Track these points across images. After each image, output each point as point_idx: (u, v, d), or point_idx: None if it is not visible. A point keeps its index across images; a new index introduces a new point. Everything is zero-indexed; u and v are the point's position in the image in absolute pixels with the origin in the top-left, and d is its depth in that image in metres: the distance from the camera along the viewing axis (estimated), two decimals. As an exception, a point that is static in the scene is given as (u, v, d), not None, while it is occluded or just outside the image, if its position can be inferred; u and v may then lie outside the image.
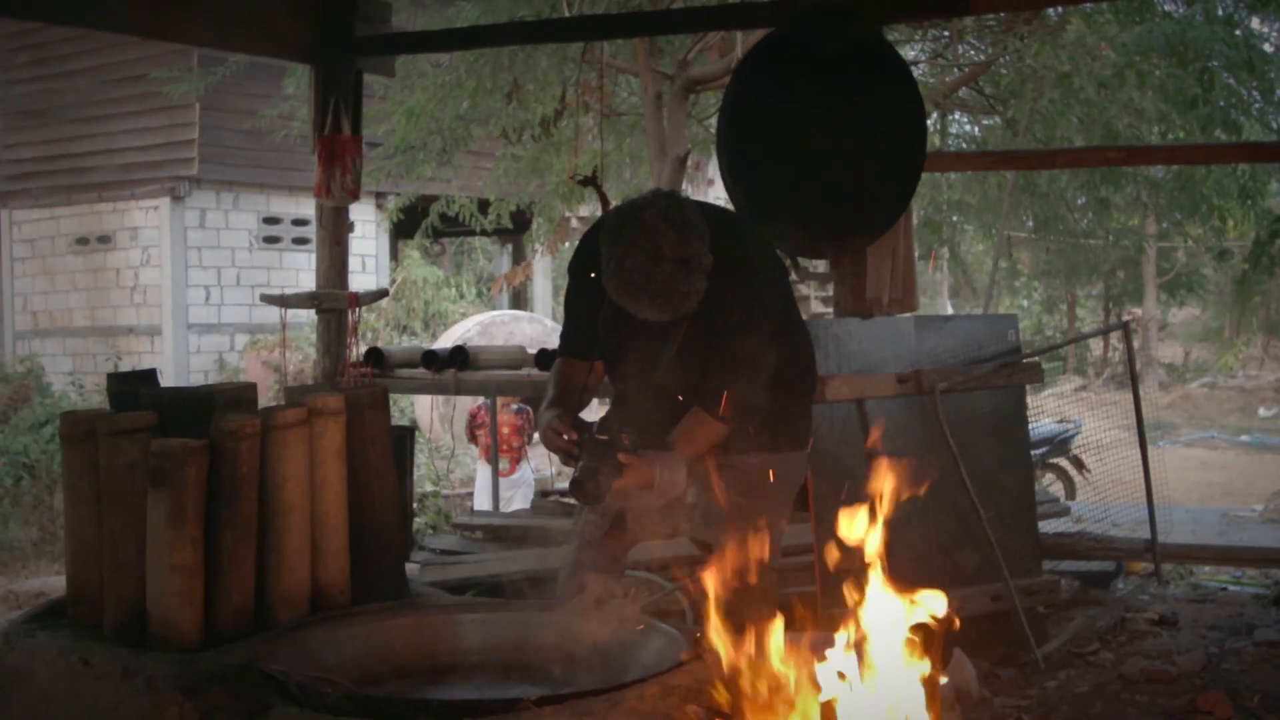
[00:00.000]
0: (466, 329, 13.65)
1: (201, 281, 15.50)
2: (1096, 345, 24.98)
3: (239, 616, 3.08)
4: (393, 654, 3.11)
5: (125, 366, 14.80)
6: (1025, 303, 28.62)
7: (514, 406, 9.36)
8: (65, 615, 3.25)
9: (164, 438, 3.03)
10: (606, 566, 3.61)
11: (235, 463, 3.04)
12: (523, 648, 3.18)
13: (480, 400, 9.29)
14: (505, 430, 9.36)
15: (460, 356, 5.95)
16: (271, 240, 15.96)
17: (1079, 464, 9.89)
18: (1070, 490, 10.37)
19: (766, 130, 4.93)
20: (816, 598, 4.79)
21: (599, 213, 6.07)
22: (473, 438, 9.85)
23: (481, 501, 9.33)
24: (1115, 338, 25.27)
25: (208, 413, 3.12)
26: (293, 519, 3.16)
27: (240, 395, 3.31)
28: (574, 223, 13.17)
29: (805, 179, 4.85)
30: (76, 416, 3.21)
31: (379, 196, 15.52)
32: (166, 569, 2.96)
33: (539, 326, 13.99)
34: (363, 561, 3.38)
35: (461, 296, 17.94)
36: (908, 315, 5.34)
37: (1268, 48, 9.51)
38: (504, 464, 9.41)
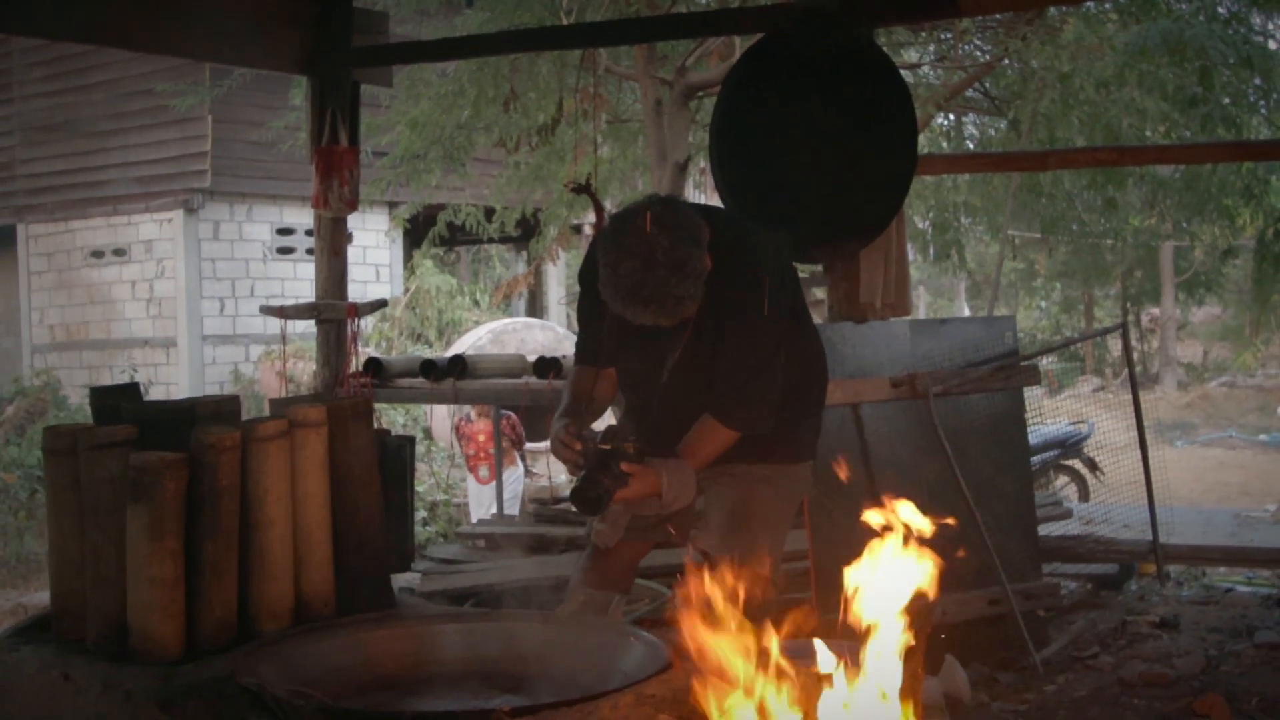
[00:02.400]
0: (479, 337, 13.67)
1: (216, 293, 15.57)
2: (1115, 346, 24.85)
3: (221, 629, 3.08)
4: (375, 665, 3.10)
5: (141, 379, 14.88)
6: (1043, 304, 28.53)
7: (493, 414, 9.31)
8: (50, 629, 3.26)
9: (144, 451, 3.04)
10: (617, 575, 3.60)
11: (215, 475, 3.04)
12: (506, 658, 3.16)
13: (465, 410, 9.29)
14: (481, 438, 9.32)
15: (458, 365, 5.95)
16: (285, 251, 16.02)
17: (1092, 465, 9.84)
18: (1084, 492, 10.31)
19: (758, 135, 4.93)
20: (811, 604, 4.78)
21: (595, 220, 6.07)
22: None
23: (476, 512, 9.32)
24: (1132, 337, 25.21)
25: (189, 426, 3.12)
26: (274, 531, 3.16)
27: (221, 408, 3.31)
28: (586, 229, 13.18)
29: (797, 184, 4.84)
30: (58, 430, 3.22)
31: (392, 206, 15.58)
32: (146, 582, 2.97)
33: (551, 334, 14.00)
34: (347, 573, 3.37)
35: (476, 304, 17.97)
36: (902, 319, 5.33)
37: (1273, 45, 9.46)
38: (484, 472, 9.36)
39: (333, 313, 6.00)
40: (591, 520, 3.54)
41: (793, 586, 4.86)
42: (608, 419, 5.16)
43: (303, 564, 3.25)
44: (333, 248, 6.06)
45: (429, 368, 6.00)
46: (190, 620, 3.03)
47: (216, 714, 2.74)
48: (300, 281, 15.78)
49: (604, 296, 3.12)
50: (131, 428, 3.14)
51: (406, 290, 16.81)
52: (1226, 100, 8.40)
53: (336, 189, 5.91)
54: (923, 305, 29.90)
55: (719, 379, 3.25)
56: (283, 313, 6.14)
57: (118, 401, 3.37)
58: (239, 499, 3.10)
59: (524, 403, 5.82)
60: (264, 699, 2.66)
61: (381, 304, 6.48)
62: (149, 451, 3.02)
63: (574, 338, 12.16)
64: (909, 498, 5.03)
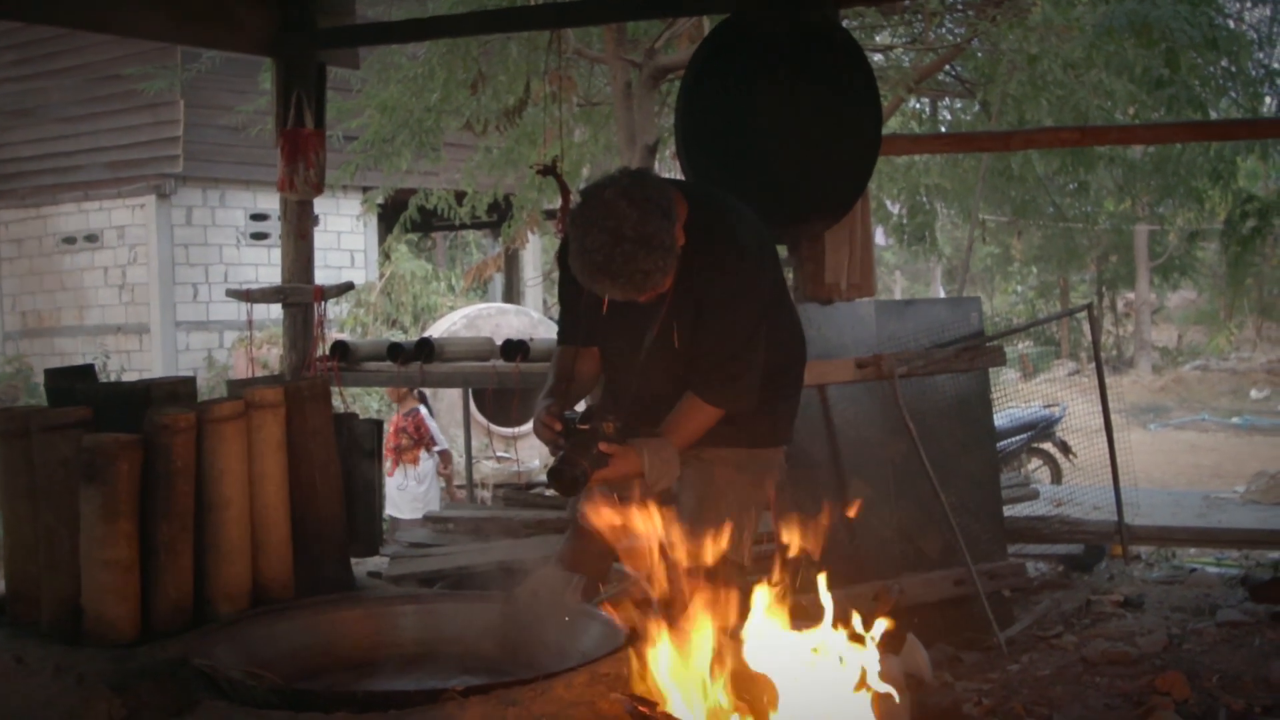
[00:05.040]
0: (453, 322, 13.60)
1: (189, 279, 15.47)
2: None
3: (176, 611, 3.07)
4: (333, 647, 3.10)
5: (114, 366, 14.81)
6: (1019, 288, 28.63)
7: (408, 409, 8.96)
8: (4, 613, 3.24)
9: (97, 433, 3.02)
10: (596, 557, 3.57)
11: (169, 457, 3.02)
12: (464, 639, 3.17)
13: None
14: (391, 429, 9.09)
15: (425, 349, 5.93)
16: (259, 236, 15.92)
17: (1065, 448, 9.88)
18: (1056, 475, 10.34)
19: (723, 116, 4.91)
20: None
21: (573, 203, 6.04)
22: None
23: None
24: (1108, 321, 25.33)
25: (144, 407, 3.10)
26: (231, 513, 3.15)
27: (177, 389, 3.30)
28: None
29: (762, 164, 4.82)
30: (11, 413, 3.20)
31: (366, 191, 15.50)
32: (100, 564, 2.95)
33: (525, 319, 13.93)
34: (306, 554, 3.37)
35: (451, 290, 17.90)
36: (867, 300, 5.33)
37: (1244, 27, 9.48)
38: (387, 464, 9.05)
39: (299, 296, 5.97)
40: (574, 501, 3.50)
41: (760, 569, 4.85)
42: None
43: (260, 546, 3.24)
44: (299, 231, 6.03)
45: (396, 351, 5.97)
46: (145, 602, 3.02)
47: (170, 696, 2.73)
48: (274, 267, 15.60)
49: (573, 271, 3.10)
50: (85, 409, 3.12)
51: (381, 276, 16.74)
52: (1196, 83, 8.44)
53: (302, 172, 5.88)
54: (898, 290, 29.97)
55: (701, 356, 3.22)
56: (249, 296, 6.11)
57: (73, 383, 3.35)
58: (194, 480, 3.09)
59: (491, 385, 5.80)
60: (218, 681, 2.65)
61: (349, 287, 6.44)
62: (102, 433, 3.01)
63: (549, 323, 12.04)
64: (875, 478, 5.06)
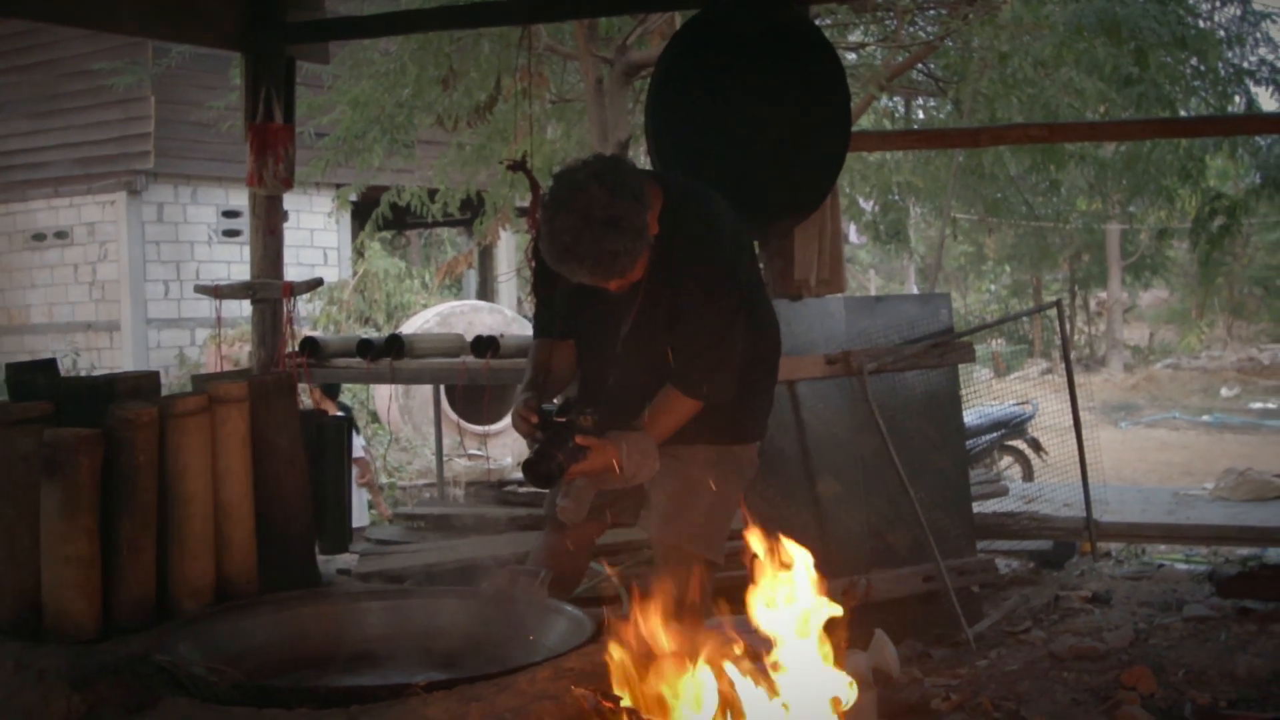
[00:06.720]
0: (426, 320, 13.57)
1: (160, 276, 15.37)
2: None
3: (139, 608, 3.04)
4: (299, 643, 3.08)
5: (84, 363, 14.71)
6: (993, 286, 28.77)
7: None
8: (-36, 610, 3.20)
9: (59, 427, 2.99)
10: (576, 551, 3.56)
11: (132, 452, 3.00)
12: (431, 635, 3.15)
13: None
14: None
15: (395, 345, 5.91)
16: (231, 234, 15.83)
17: (1036, 446, 9.91)
18: (1028, 472, 10.38)
19: (693, 112, 4.90)
20: (749, 584, 4.78)
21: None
22: None
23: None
24: (1080, 320, 25.48)
25: (107, 402, 3.08)
26: (194, 508, 3.12)
27: (140, 384, 3.27)
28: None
29: (731, 160, 4.82)
30: (-29, 408, 3.16)
31: (338, 188, 15.43)
32: (61, 560, 2.92)
33: (499, 317, 13.92)
34: (271, 550, 3.34)
35: (425, 287, 17.85)
36: (837, 296, 5.33)
37: (1214, 26, 9.54)
38: None
39: (268, 292, 5.94)
40: (554, 495, 3.46)
41: (731, 565, 4.85)
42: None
43: (224, 541, 3.22)
44: (268, 226, 6.01)
45: (366, 347, 5.95)
46: (107, 599, 2.99)
47: (130, 692, 2.71)
48: (247, 265, 15.44)
49: (543, 255, 3.08)
50: (47, 404, 3.09)
51: (355, 273, 16.67)
52: (1165, 82, 8.49)
53: (271, 166, 5.86)
54: (873, 288, 30.04)
55: (679, 348, 3.20)
56: (218, 292, 6.09)
57: (34, 378, 3.32)
58: (157, 475, 3.06)
59: (461, 382, 5.78)
60: (179, 677, 2.63)
61: (318, 283, 6.42)
62: (64, 428, 2.98)
63: (522, 320, 11.96)
64: (844, 475, 5.06)
